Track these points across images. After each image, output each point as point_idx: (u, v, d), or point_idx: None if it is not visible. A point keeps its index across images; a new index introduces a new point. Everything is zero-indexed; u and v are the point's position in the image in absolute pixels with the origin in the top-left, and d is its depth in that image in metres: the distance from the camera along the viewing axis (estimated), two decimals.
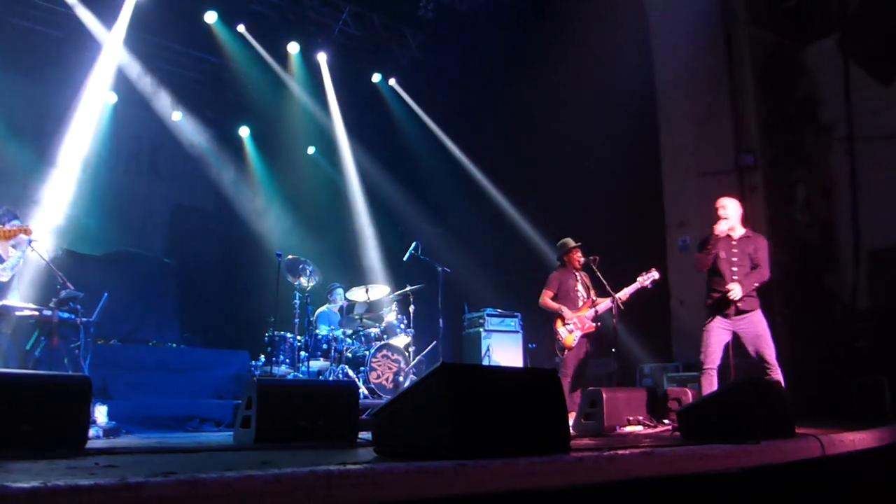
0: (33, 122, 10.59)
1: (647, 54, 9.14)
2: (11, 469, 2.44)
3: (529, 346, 9.79)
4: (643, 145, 9.14)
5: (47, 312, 6.31)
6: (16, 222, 6.44)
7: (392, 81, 12.39)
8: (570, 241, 7.36)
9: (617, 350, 7.01)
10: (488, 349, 9.43)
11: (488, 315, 9.67)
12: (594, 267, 7.06)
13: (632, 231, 9.05)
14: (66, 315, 6.47)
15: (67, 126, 9.99)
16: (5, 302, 6.22)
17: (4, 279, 6.41)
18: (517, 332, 9.76)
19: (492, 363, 9.19)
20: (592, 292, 7.25)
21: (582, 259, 7.22)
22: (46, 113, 10.48)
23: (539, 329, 9.00)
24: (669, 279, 8.60)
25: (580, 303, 7.16)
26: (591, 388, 6.29)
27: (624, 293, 6.90)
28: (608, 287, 6.93)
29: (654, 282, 6.97)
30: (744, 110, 8.57)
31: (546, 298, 7.23)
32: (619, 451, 3.15)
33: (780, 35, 8.76)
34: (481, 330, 9.55)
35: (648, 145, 9.07)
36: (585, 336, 7.06)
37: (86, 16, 9.75)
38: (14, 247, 6.33)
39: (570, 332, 7.02)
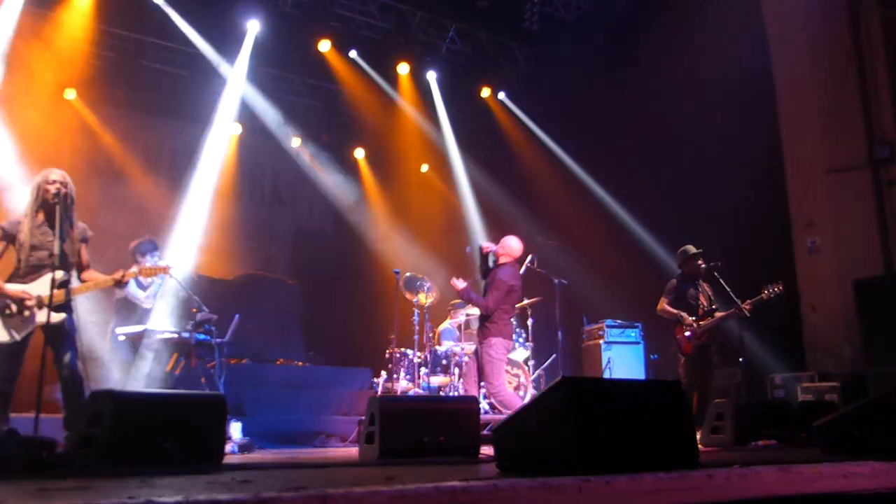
0: (168, 157, 11.46)
1: (763, 48, 8.73)
2: (155, 484, 2.58)
3: (651, 356, 9.52)
4: (763, 144, 8.72)
5: (185, 335, 6.69)
6: (156, 255, 6.92)
7: (501, 95, 12.43)
8: (691, 249, 7.15)
9: (744, 359, 6.73)
10: (609, 361, 9.23)
11: (608, 326, 9.47)
12: (716, 274, 6.83)
13: (755, 234, 8.63)
14: (202, 337, 6.83)
15: (198, 158, 10.62)
16: (148, 326, 6.66)
17: (148, 306, 6.89)
18: (638, 342, 9.51)
19: (613, 375, 9.00)
20: (714, 303, 7.00)
21: (703, 266, 6.99)
22: (179, 147, 11.29)
23: (660, 339, 8.73)
24: (799, 283, 8.16)
25: (699, 312, 6.94)
26: (718, 399, 6.06)
27: (747, 304, 6.63)
28: (732, 295, 6.67)
29: (777, 295, 6.65)
30: (876, 99, 8.03)
31: (664, 304, 7.07)
32: (753, 467, 3.00)
33: None
34: (601, 342, 9.37)
35: (769, 143, 8.65)
36: (705, 346, 6.82)
37: (211, 54, 10.38)
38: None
39: (688, 338, 6.81)
